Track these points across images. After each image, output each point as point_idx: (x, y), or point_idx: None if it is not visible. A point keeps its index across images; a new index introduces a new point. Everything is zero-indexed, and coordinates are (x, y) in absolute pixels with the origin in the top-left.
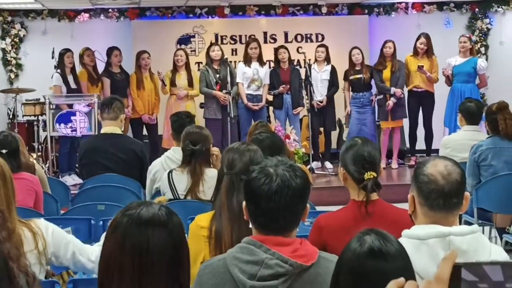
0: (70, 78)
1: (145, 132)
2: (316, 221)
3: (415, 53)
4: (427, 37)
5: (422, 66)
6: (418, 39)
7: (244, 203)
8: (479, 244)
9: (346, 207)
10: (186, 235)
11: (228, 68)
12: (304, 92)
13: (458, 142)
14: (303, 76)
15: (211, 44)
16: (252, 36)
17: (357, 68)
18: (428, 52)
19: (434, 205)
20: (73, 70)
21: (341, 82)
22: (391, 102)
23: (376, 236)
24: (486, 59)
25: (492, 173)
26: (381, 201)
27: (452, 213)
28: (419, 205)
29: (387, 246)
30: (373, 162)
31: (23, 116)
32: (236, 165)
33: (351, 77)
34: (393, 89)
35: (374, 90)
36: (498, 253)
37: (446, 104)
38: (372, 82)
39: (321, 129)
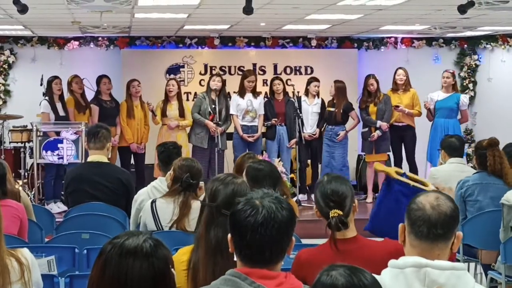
0: (59, 106)
1: (132, 161)
2: (297, 256)
3: (395, 88)
4: (405, 70)
5: (398, 106)
6: (395, 73)
7: (229, 235)
8: (460, 282)
9: (324, 244)
10: (172, 269)
11: (225, 102)
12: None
13: (446, 173)
14: None
15: (213, 74)
16: (242, 67)
17: (335, 101)
18: (407, 85)
19: (419, 232)
20: (61, 97)
21: None
22: (376, 134)
23: (344, 270)
24: (474, 95)
25: (478, 208)
26: (360, 238)
27: (437, 245)
28: (407, 233)
29: (354, 280)
30: (338, 199)
31: (10, 142)
32: (218, 196)
33: (326, 109)
34: (379, 123)
35: (347, 125)
36: None
37: (429, 139)
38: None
39: (308, 161)
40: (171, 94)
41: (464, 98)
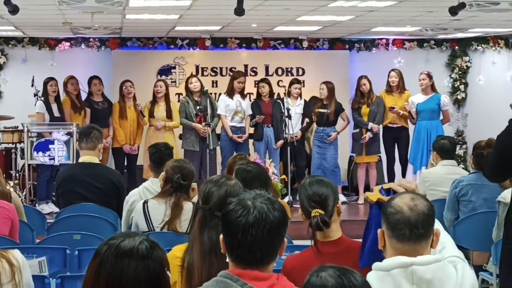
0: (54, 107)
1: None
2: (284, 264)
3: (388, 89)
4: (399, 73)
5: (393, 108)
6: (389, 75)
7: (221, 235)
8: (444, 274)
9: (310, 248)
10: (168, 271)
11: (208, 99)
12: (283, 126)
13: (437, 176)
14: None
15: (190, 76)
16: (234, 69)
17: (324, 102)
18: (401, 87)
19: (401, 235)
20: (57, 98)
21: None
22: (367, 136)
23: (334, 271)
24: (465, 97)
25: (471, 209)
26: (345, 240)
27: (420, 244)
28: (388, 238)
29: (344, 281)
30: (319, 199)
31: (1, 143)
32: (211, 198)
33: (316, 110)
34: (370, 124)
35: (338, 126)
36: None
37: (412, 141)
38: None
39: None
40: (159, 95)
41: (445, 99)
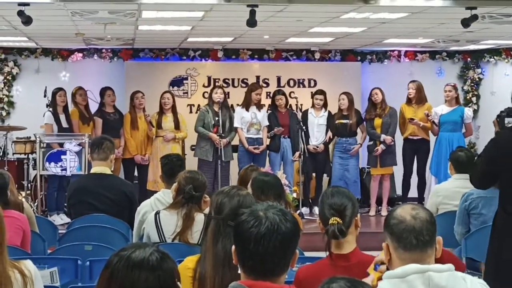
0: (62, 117)
1: (135, 172)
2: (296, 275)
3: (408, 100)
4: (417, 85)
5: (413, 119)
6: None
7: (233, 246)
8: (456, 282)
9: (323, 260)
10: (179, 282)
11: (228, 113)
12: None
13: (449, 190)
14: None
15: (215, 87)
16: (246, 80)
17: (344, 113)
18: (420, 100)
19: (407, 244)
20: (65, 109)
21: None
22: (380, 148)
23: (345, 283)
24: (478, 109)
25: (482, 222)
26: (357, 252)
27: (427, 252)
28: (393, 249)
29: None
30: (339, 209)
31: (13, 154)
32: (224, 209)
33: (336, 121)
34: (383, 136)
35: (359, 136)
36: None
37: (433, 152)
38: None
39: (313, 174)
40: (166, 107)
41: (468, 111)
